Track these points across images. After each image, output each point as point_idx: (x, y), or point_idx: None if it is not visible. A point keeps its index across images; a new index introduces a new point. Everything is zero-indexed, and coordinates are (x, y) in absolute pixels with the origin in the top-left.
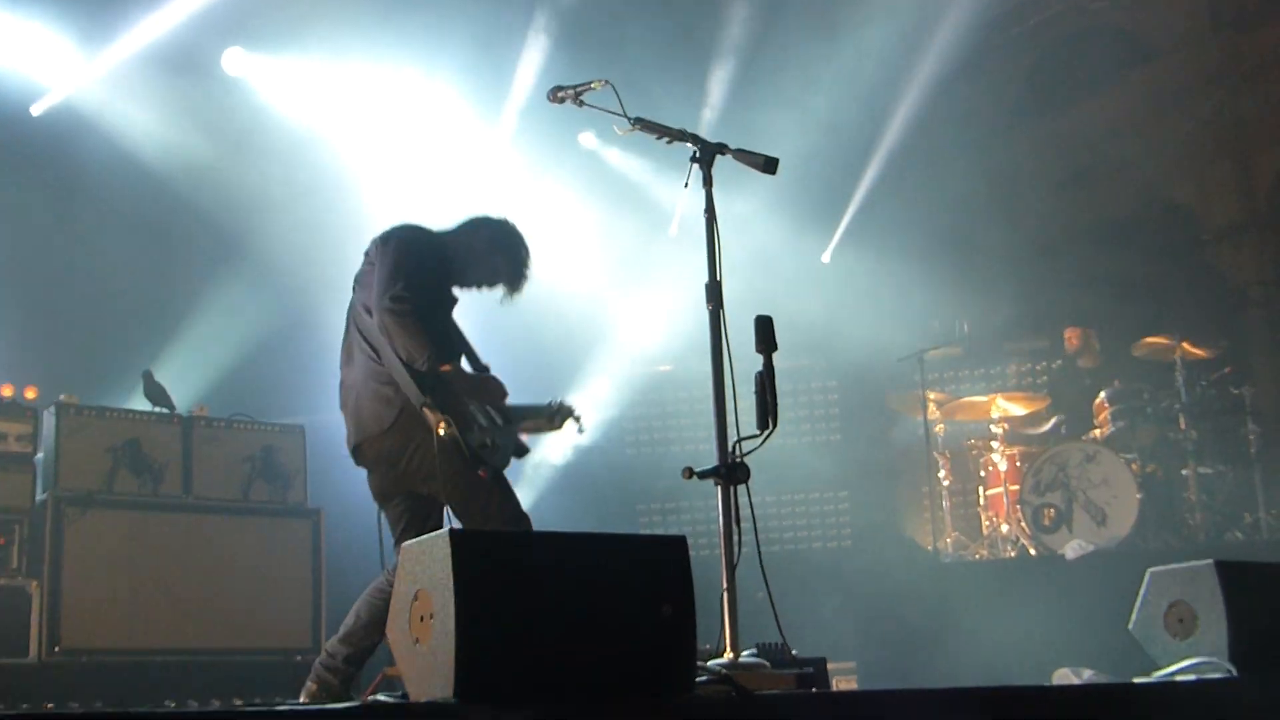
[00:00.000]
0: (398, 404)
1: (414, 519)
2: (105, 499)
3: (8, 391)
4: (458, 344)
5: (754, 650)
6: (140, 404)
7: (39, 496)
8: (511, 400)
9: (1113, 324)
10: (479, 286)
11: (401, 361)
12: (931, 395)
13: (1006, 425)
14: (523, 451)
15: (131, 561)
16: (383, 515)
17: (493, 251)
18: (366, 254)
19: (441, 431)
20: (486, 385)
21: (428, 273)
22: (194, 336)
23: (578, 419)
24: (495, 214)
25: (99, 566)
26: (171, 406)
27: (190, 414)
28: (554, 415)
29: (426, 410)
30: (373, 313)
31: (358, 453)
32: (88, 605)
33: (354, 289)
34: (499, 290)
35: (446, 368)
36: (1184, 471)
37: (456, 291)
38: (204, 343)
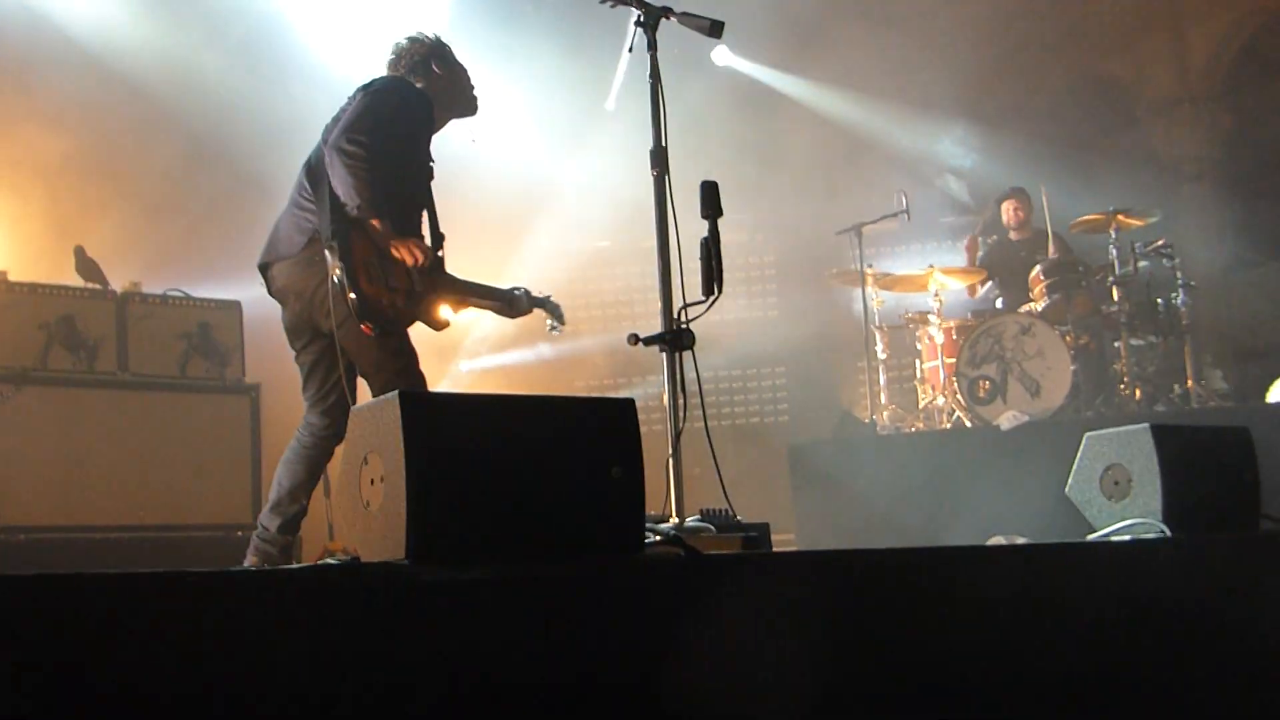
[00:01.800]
0: (309, 232)
1: (318, 366)
2: (40, 376)
3: None
4: (417, 209)
5: (698, 516)
6: (73, 280)
7: None
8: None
9: (1048, 198)
10: (462, 116)
11: (331, 197)
12: (869, 269)
13: (943, 299)
14: (435, 325)
15: (68, 438)
16: None
17: (463, 74)
18: (349, 98)
19: (335, 275)
20: (410, 247)
21: (397, 127)
22: (127, 212)
23: (556, 315)
24: (424, 34)
25: (35, 443)
26: (105, 282)
27: (124, 290)
28: (512, 302)
29: (327, 250)
30: (324, 148)
31: (266, 276)
32: (24, 482)
33: (321, 136)
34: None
35: (376, 223)
36: (1116, 343)
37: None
38: (137, 218)
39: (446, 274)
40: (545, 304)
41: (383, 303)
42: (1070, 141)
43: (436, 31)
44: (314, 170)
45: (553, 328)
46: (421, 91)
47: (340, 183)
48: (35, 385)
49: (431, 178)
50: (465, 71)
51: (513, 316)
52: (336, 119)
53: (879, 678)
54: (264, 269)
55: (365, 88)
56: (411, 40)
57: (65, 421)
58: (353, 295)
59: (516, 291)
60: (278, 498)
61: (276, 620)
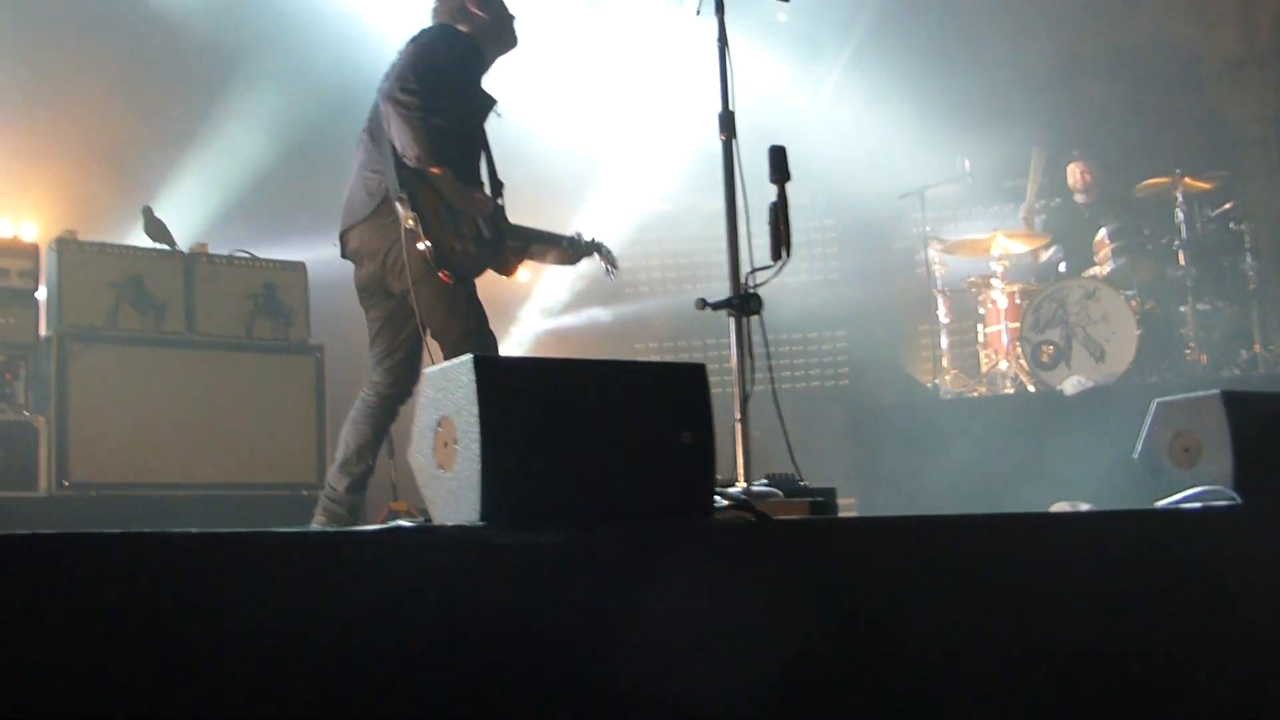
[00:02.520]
0: (379, 194)
1: (388, 325)
2: (109, 335)
3: (6, 229)
4: (475, 155)
5: (765, 480)
6: (141, 241)
7: (43, 333)
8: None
9: (1114, 160)
10: (504, 53)
11: (393, 153)
12: (932, 233)
13: (1007, 263)
14: (505, 268)
15: (137, 397)
16: None
17: (502, 9)
18: (398, 51)
19: (409, 224)
20: (473, 197)
21: (448, 74)
22: (194, 173)
23: (609, 260)
24: None
25: (105, 402)
26: (172, 243)
27: (191, 250)
28: (572, 248)
29: (398, 203)
30: (380, 103)
31: (343, 241)
32: (94, 440)
33: (379, 86)
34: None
35: (437, 170)
36: (1182, 308)
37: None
38: (204, 179)
39: (507, 221)
40: (599, 248)
41: (455, 249)
42: (1134, 104)
43: None
44: (373, 130)
45: (607, 271)
46: (466, 35)
47: (398, 134)
48: (104, 344)
49: (484, 119)
50: (504, 6)
51: (573, 262)
52: (387, 75)
53: (946, 642)
54: (342, 235)
55: (412, 39)
56: None
57: (134, 380)
58: (427, 243)
59: (575, 237)
60: (345, 457)
61: (352, 580)
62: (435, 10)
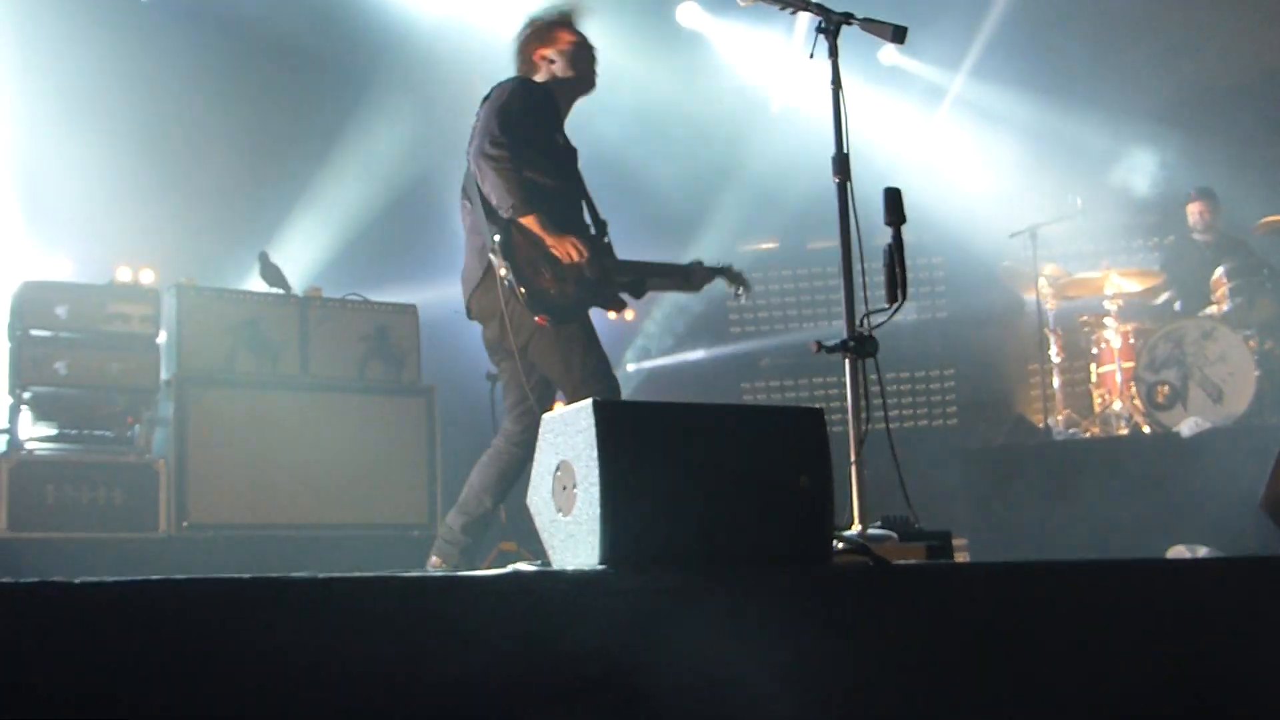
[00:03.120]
0: (484, 254)
1: (515, 378)
2: (227, 378)
3: (126, 274)
4: (574, 201)
5: (880, 523)
6: (256, 285)
7: (163, 376)
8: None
9: (1230, 197)
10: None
11: (485, 209)
12: (1044, 271)
13: (1121, 301)
14: (613, 305)
15: (253, 439)
16: (495, 390)
17: (578, 52)
18: (476, 114)
19: (503, 273)
20: (568, 239)
21: (529, 120)
22: (308, 217)
23: (739, 281)
24: (534, 17)
25: (222, 444)
26: (287, 287)
27: (305, 294)
28: (688, 275)
29: (492, 255)
30: (470, 162)
31: (467, 309)
32: (213, 482)
33: (466, 150)
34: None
35: (530, 218)
36: None
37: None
38: (317, 223)
39: (615, 258)
40: (725, 271)
41: (551, 293)
42: (1253, 140)
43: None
44: (469, 192)
45: (736, 294)
46: (539, 85)
47: (491, 188)
48: (222, 388)
49: (573, 164)
50: (582, 49)
51: (694, 289)
52: (471, 136)
53: (1063, 688)
54: (466, 304)
55: (486, 97)
56: (520, 33)
57: (251, 423)
58: (522, 290)
59: (693, 264)
60: (465, 497)
61: (473, 623)
62: (516, 64)
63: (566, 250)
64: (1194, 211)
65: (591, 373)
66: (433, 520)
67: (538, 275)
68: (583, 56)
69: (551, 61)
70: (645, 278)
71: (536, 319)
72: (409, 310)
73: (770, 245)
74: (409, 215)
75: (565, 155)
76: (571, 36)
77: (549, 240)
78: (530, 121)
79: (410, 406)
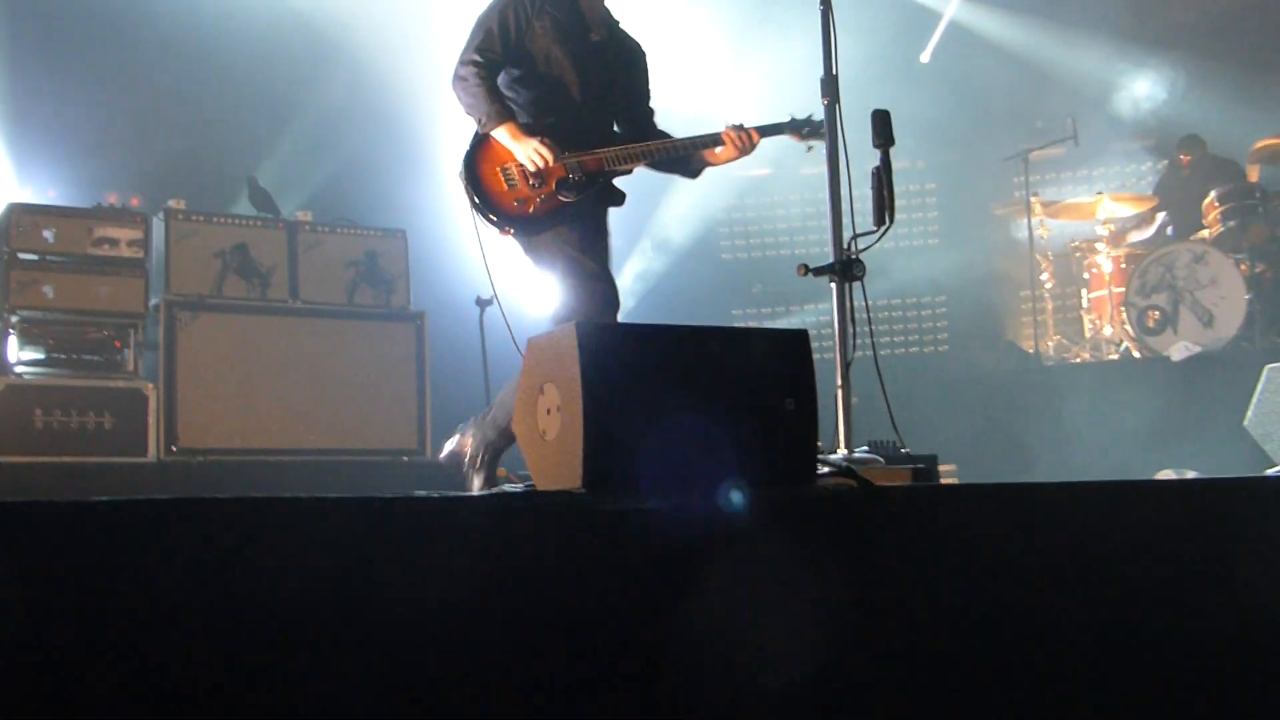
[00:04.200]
0: None
1: None
2: (215, 303)
3: (115, 199)
4: (593, 89)
5: (866, 447)
6: (245, 209)
7: (151, 301)
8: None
9: (1226, 120)
10: None
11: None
12: (1035, 196)
13: (1112, 226)
14: (612, 199)
15: (242, 364)
16: (484, 314)
17: None
18: None
19: (467, 194)
20: (531, 144)
21: (509, 34)
22: (295, 142)
23: (806, 133)
24: None
25: (211, 369)
26: (276, 211)
27: (294, 219)
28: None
29: (460, 180)
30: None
31: None
32: (202, 406)
33: None
34: None
35: (500, 129)
36: None
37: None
38: (305, 148)
39: (636, 143)
40: (790, 125)
41: (514, 204)
42: (1246, 63)
43: None
44: None
45: (809, 149)
46: None
47: (465, 107)
48: (210, 312)
49: (600, 54)
50: None
51: (744, 153)
52: None
53: (1050, 611)
54: None
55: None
56: None
57: (239, 348)
58: (478, 216)
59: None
60: (496, 415)
61: (459, 544)
62: None
63: (529, 156)
64: (1185, 157)
65: (573, 287)
66: (422, 446)
67: (508, 188)
68: None
69: None
70: (679, 153)
71: (502, 233)
72: (398, 235)
73: (763, 171)
74: (400, 141)
75: (575, 44)
76: None
77: (514, 149)
78: (510, 29)
79: (400, 332)
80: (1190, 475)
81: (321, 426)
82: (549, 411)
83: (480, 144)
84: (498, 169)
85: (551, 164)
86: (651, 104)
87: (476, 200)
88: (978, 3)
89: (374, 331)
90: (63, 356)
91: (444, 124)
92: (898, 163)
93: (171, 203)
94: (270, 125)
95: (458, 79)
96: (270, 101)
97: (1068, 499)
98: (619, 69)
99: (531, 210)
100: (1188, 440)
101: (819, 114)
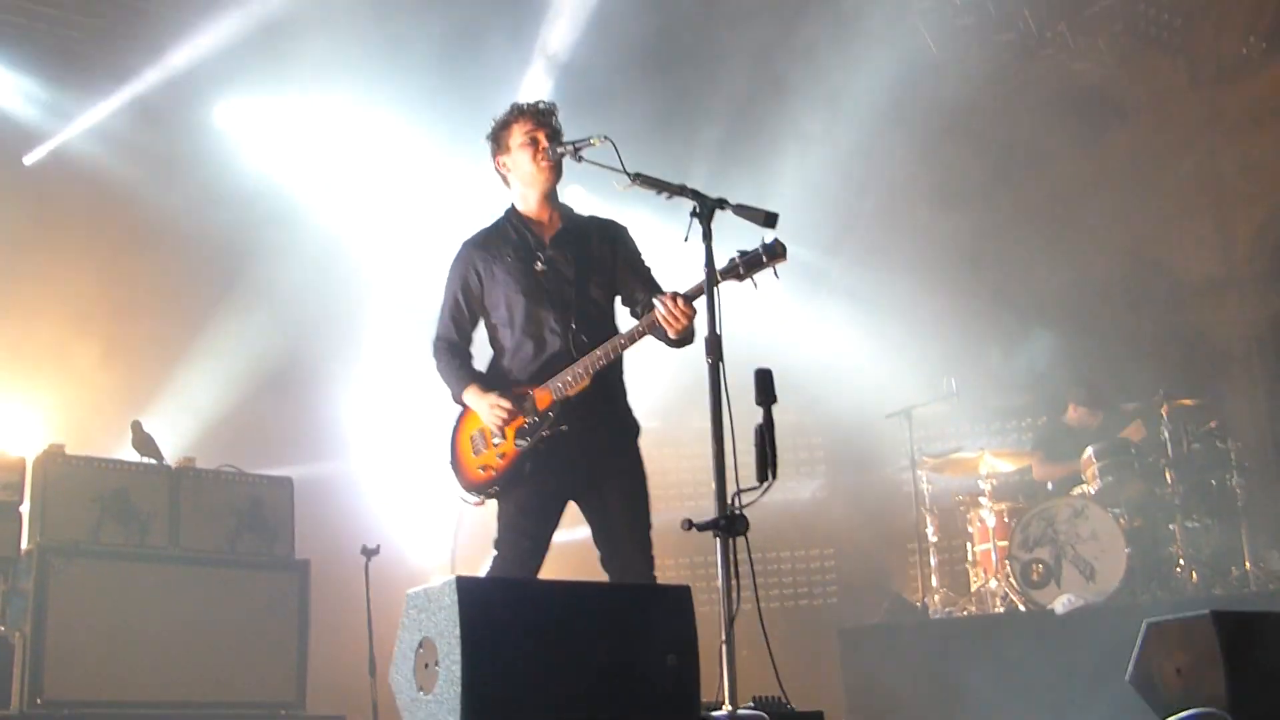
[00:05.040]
0: None
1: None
2: (92, 549)
3: None
4: (536, 323)
5: (752, 703)
6: (129, 454)
7: (24, 545)
8: None
9: (1100, 380)
10: (549, 166)
11: None
12: (919, 452)
13: (995, 481)
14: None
15: (117, 612)
16: (369, 565)
17: (501, 147)
18: None
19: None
20: (487, 404)
21: (459, 292)
22: (182, 387)
23: (751, 265)
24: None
25: (84, 617)
26: (159, 457)
27: (178, 465)
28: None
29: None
30: None
31: None
32: (72, 656)
33: None
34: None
35: (466, 397)
36: (1171, 526)
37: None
38: (192, 393)
39: (578, 367)
40: (727, 270)
41: (477, 473)
42: (1118, 325)
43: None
44: None
45: (777, 274)
46: (462, 245)
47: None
48: (86, 559)
49: (548, 275)
50: (506, 121)
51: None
52: None
53: None
54: None
55: None
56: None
57: (115, 596)
58: (461, 488)
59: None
60: None
61: None
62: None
63: (490, 415)
64: (1074, 411)
65: (501, 545)
66: (300, 698)
67: (474, 455)
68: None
69: (501, 172)
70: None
71: (476, 504)
72: (284, 483)
73: (652, 424)
74: (286, 389)
75: (525, 278)
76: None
77: (479, 410)
78: (453, 293)
79: (282, 581)
80: None
81: (197, 678)
82: (427, 666)
83: (458, 420)
84: (468, 438)
85: (512, 413)
86: (642, 269)
87: (455, 480)
88: (861, 264)
89: (255, 580)
90: None
91: (333, 371)
92: (787, 417)
93: (50, 445)
94: (157, 368)
95: (434, 362)
96: (158, 347)
97: None
98: (572, 282)
99: (493, 475)
100: (1075, 694)
101: (768, 235)
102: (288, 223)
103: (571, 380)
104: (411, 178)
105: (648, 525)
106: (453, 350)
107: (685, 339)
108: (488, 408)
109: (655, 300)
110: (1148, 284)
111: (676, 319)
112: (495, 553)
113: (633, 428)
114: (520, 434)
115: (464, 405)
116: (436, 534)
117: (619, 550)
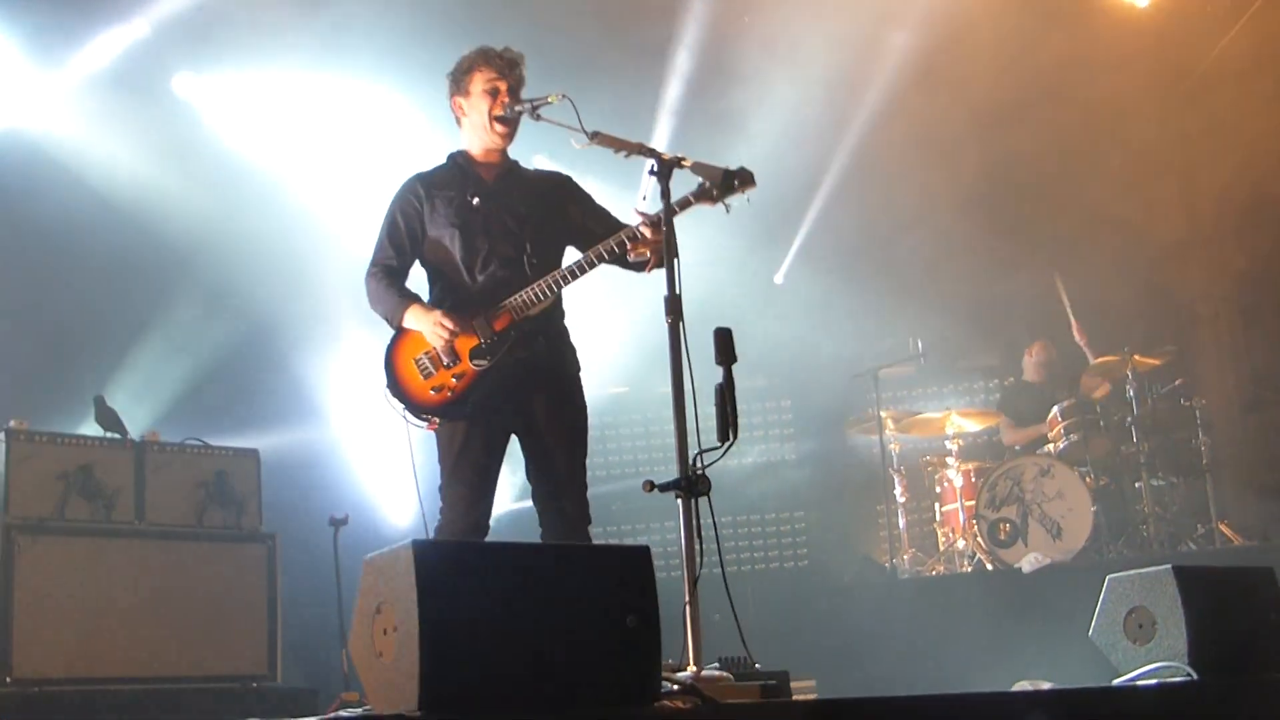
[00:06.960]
0: None
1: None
2: (57, 526)
3: None
4: (479, 254)
5: (717, 664)
6: (92, 430)
7: None
8: None
9: (1065, 340)
10: (505, 132)
11: None
12: (886, 413)
13: (961, 441)
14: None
15: (84, 589)
16: (338, 535)
17: (460, 89)
18: None
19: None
20: (433, 321)
21: (397, 224)
22: (145, 361)
23: (731, 188)
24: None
25: (52, 595)
26: (124, 432)
27: (142, 439)
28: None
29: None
30: None
31: None
32: (40, 634)
33: None
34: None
35: (406, 318)
36: (1137, 484)
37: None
38: (155, 367)
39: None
40: (700, 193)
41: (429, 395)
42: (1084, 283)
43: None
44: None
45: (749, 199)
46: (407, 180)
47: (379, 315)
48: (52, 535)
49: (491, 212)
50: (464, 64)
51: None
52: None
53: None
54: None
55: None
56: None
57: (82, 572)
58: (401, 407)
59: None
60: None
61: None
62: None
63: (433, 331)
64: (1033, 351)
65: (448, 477)
66: (272, 671)
67: (424, 378)
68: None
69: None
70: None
71: (428, 427)
72: (250, 455)
73: (621, 389)
74: (251, 360)
75: (463, 212)
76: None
77: (422, 328)
78: (395, 222)
79: (250, 553)
80: (1045, 686)
81: (169, 653)
82: (385, 632)
83: (395, 343)
84: (412, 361)
85: (456, 330)
86: (598, 209)
87: (398, 402)
88: (827, 225)
89: (224, 553)
90: None
91: (297, 341)
92: (753, 380)
93: (13, 422)
94: (119, 343)
95: (366, 288)
96: (120, 318)
97: (922, 713)
98: (518, 217)
99: (450, 396)
100: (1041, 651)
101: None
102: (253, 191)
103: (533, 299)
104: (379, 142)
105: (585, 461)
106: (390, 274)
107: (654, 263)
108: (431, 325)
109: (636, 215)
110: (1113, 243)
111: (651, 238)
112: (448, 490)
113: (578, 364)
114: (476, 354)
115: (403, 328)
116: (405, 502)
117: (556, 482)
